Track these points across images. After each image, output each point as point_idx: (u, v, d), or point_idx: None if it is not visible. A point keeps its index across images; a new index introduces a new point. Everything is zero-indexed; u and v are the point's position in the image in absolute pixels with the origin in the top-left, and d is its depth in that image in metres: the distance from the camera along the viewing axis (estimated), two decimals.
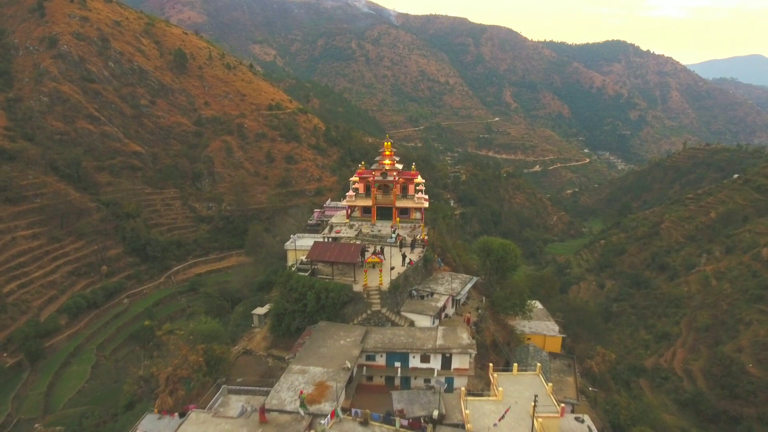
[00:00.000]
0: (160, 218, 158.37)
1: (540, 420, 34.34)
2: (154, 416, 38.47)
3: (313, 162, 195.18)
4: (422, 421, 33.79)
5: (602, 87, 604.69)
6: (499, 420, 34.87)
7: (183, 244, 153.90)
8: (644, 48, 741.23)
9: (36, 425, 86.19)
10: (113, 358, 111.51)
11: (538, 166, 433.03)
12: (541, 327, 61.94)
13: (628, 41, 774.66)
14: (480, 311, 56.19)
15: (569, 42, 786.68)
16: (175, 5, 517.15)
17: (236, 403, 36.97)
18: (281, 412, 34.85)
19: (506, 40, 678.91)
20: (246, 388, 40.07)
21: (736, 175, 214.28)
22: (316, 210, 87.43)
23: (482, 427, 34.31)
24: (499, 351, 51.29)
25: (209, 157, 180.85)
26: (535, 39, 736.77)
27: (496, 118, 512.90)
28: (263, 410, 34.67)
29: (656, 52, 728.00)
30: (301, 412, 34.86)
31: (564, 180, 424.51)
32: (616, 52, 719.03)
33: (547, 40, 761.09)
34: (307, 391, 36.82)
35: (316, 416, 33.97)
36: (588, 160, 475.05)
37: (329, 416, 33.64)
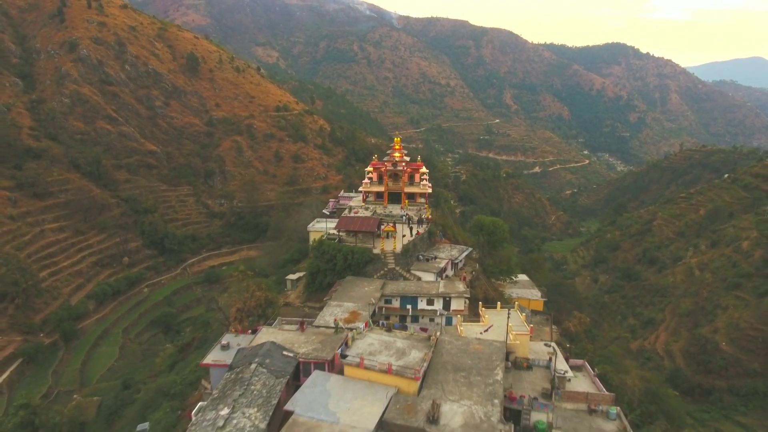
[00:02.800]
0: (176, 214, 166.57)
1: (514, 333, 45.37)
2: (232, 334, 48.98)
3: (319, 161, 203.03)
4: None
5: (602, 89, 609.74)
6: (484, 331, 47.11)
7: (197, 238, 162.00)
8: (644, 50, 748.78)
9: (75, 396, 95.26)
10: (138, 340, 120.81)
11: (537, 168, 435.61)
12: (526, 293, 72.37)
13: (628, 43, 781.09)
14: (474, 273, 66.60)
15: (569, 44, 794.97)
16: (179, 8, 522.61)
17: (290, 326, 48.67)
18: (327, 327, 47.09)
19: (507, 42, 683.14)
20: (295, 319, 51.71)
21: (726, 175, 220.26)
22: (331, 200, 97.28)
23: (472, 337, 45.59)
24: (489, 305, 60.70)
25: (220, 156, 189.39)
26: (535, 41, 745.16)
27: (497, 120, 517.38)
28: (302, 323, 46.97)
29: (656, 55, 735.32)
30: (342, 326, 46.22)
31: (563, 181, 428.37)
32: (616, 54, 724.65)
33: (548, 42, 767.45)
34: (344, 317, 48.61)
35: (351, 329, 45.11)
36: (587, 161, 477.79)
37: (363, 325, 45.24)
